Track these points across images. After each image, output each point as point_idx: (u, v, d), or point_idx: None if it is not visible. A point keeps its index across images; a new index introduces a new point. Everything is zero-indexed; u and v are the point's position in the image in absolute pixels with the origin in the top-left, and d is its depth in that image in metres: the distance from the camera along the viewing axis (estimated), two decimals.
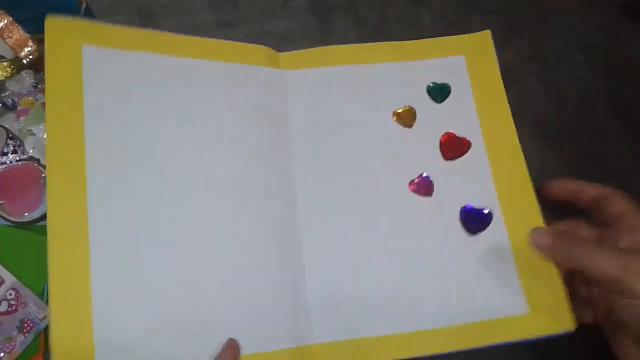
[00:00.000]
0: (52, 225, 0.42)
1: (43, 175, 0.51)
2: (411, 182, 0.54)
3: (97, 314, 0.42)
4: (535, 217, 0.52)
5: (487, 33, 0.58)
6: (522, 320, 0.49)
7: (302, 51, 0.56)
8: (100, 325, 0.42)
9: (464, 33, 0.57)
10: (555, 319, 0.49)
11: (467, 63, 0.57)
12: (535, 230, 0.48)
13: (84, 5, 0.51)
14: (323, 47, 0.56)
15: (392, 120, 0.55)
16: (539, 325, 0.49)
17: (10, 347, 0.47)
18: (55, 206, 0.42)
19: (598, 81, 0.58)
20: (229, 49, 0.54)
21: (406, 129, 0.55)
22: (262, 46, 0.55)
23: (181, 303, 0.45)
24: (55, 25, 0.45)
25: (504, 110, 0.56)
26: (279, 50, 0.57)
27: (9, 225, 0.50)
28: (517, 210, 0.52)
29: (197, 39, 0.53)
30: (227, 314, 0.46)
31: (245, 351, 0.45)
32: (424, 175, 0.54)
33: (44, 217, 0.51)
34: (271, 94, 0.54)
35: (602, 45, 0.60)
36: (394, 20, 0.60)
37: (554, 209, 0.52)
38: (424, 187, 0.53)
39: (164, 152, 0.48)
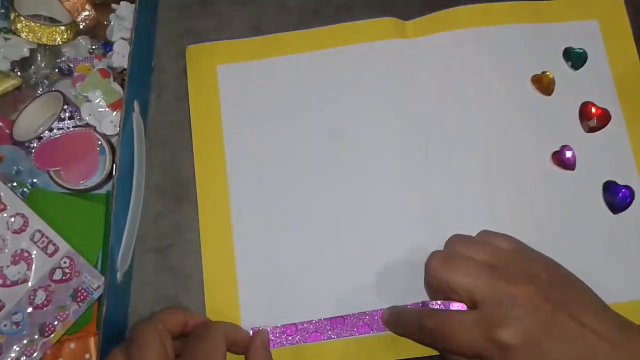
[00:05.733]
0: (203, 220, 0.50)
1: (99, 142, 0.50)
2: (554, 154, 0.52)
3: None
4: None
5: None
6: None
7: (429, 16, 0.55)
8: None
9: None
10: None
11: (600, 28, 0.55)
12: None
13: None
14: (451, 9, 0.54)
15: (530, 86, 0.53)
16: None
17: (64, 316, 0.46)
18: (204, 208, 0.50)
19: None
20: (353, 30, 0.55)
21: (545, 97, 0.53)
22: (386, 18, 0.55)
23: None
24: (194, 50, 0.54)
25: (639, 81, 0.54)
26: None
27: (64, 193, 0.50)
28: None
29: (318, 29, 0.55)
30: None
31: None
32: (567, 147, 0.52)
33: (99, 185, 0.50)
34: (402, 65, 0.53)
35: None
36: None
37: None
38: (567, 160, 0.51)
39: (300, 146, 0.52)
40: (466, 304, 0.39)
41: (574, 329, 0.36)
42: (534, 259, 0.41)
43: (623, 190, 0.50)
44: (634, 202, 0.50)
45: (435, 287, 0.41)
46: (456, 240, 0.42)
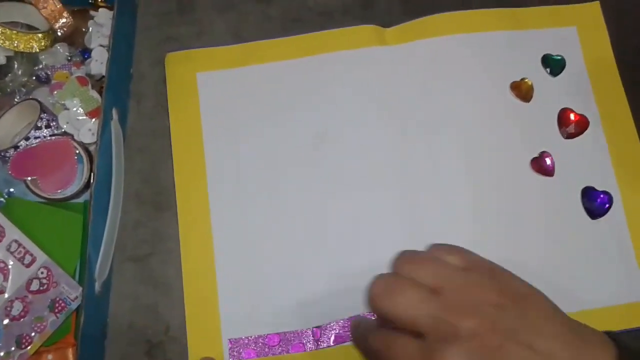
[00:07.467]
0: (183, 232, 0.50)
1: (77, 151, 0.49)
2: (533, 161, 0.52)
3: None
4: None
5: (597, 4, 0.56)
6: None
7: (409, 23, 0.55)
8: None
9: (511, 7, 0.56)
10: None
11: (579, 35, 0.55)
12: None
13: None
14: (430, 17, 0.55)
15: (509, 92, 0.54)
16: None
17: (42, 327, 0.46)
18: (183, 210, 0.50)
19: None
20: (333, 37, 0.55)
21: (524, 103, 0.54)
22: (366, 26, 0.55)
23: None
24: (173, 58, 0.54)
25: (617, 87, 0.55)
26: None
27: (41, 202, 0.49)
28: (635, 194, 0.51)
29: (298, 37, 0.55)
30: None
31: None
32: (546, 153, 0.52)
33: (76, 194, 0.49)
34: (382, 72, 0.53)
35: None
36: None
37: None
38: (546, 166, 0.52)
39: (280, 154, 0.51)
40: (410, 333, 0.36)
41: (524, 356, 0.34)
42: (485, 278, 0.38)
43: (601, 195, 0.51)
44: (612, 207, 0.51)
45: (379, 316, 0.38)
46: (403, 260, 0.39)
